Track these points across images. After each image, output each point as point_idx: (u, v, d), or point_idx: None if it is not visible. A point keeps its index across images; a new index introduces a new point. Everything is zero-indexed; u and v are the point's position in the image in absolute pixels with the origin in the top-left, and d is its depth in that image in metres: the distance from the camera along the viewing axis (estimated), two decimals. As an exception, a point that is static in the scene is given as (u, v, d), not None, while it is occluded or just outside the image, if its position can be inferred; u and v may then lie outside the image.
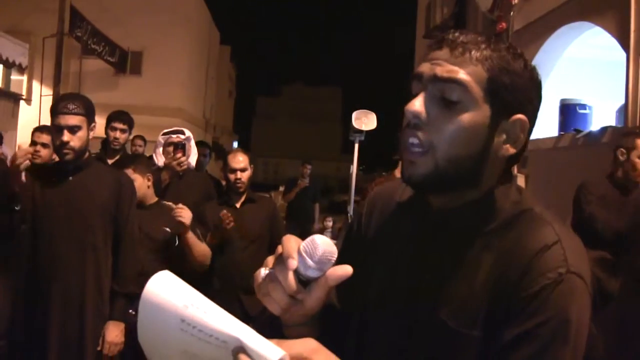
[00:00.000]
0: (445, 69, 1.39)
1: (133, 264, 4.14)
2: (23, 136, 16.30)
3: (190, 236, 4.74)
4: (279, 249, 1.34)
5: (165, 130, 6.04)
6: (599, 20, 8.73)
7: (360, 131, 7.96)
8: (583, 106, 9.42)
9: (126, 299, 4.07)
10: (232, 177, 5.37)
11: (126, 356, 4.14)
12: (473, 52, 1.39)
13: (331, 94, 69.14)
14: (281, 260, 1.31)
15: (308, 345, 1.17)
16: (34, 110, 18.53)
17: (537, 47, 10.40)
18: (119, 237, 4.11)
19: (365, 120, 7.92)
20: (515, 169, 10.31)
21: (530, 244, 1.35)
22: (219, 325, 1.11)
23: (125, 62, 24.49)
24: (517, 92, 1.41)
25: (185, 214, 4.62)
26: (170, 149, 5.81)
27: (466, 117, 1.38)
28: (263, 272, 1.35)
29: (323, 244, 1.30)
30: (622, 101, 8.28)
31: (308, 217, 12.81)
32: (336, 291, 1.53)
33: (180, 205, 4.68)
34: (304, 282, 1.32)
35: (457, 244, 1.44)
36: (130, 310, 4.03)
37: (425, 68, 1.43)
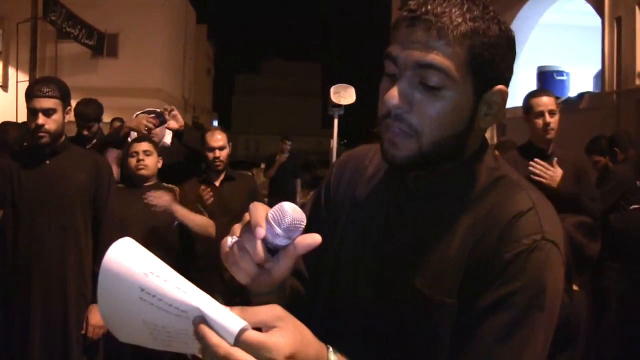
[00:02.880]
0: (423, 55, 1.33)
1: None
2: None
3: (179, 210, 4.70)
4: (246, 216, 1.30)
5: (139, 112, 6.00)
6: (572, -14, 8.75)
7: (339, 105, 7.92)
8: (560, 73, 9.47)
9: None
10: (210, 155, 5.40)
11: (111, 339, 4.15)
12: (450, 31, 1.32)
13: (310, 69, 68.92)
14: (249, 229, 1.27)
15: (273, 312, 1.14)
16: (11, 97, 18.32)
17: (513, 15, 10.42)
18: (99, 219, 4.10)
19: (343, 94, 7.87)
20: (494, 138, 10.36)
21: (505, 210, 1.35)
22: (179, 295, 1.09)
23: (101, 45, 24.21)
24: (497, 63, 1.38)
25: (156, 200, 4.62)
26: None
27: (449, 101, 1.35)
28: (230, 241, 1.31)
29: (291, 212, 1.27)
30: (599, 66, 8.32)
31: (290, 192, 12.78)
32: (304, 258, 1.48)
33: (149, 193, 4.66)
34: (272, 250, 1.29)
35: (433, 211, 1.42)
36: None
37: (401, 52, 1.36)
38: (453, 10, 1.33)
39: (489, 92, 1.39)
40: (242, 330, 1.07)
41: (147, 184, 4.87)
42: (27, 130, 6.40)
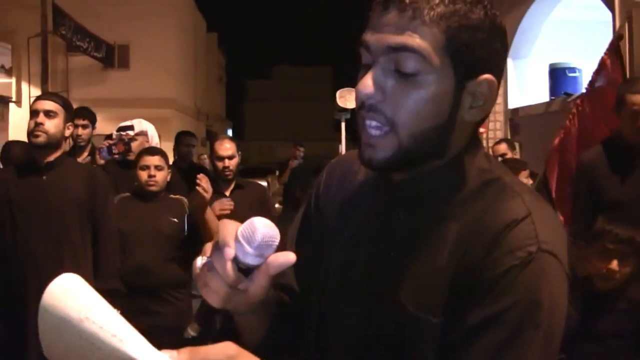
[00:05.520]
0: (396, 38, 1.22)
1: (113, 258, 4.11)
2: (15, 138, 16.23)
3: (209, 212, 4.75)
4: (217, 235, 1.22)
5: (120, 125, 5.96)
6: (582, -19, 8.66)
7: (346, 109, 7.86)
8: (572, 69, 9.36)
9: (109, 296, 4.00)
10: (219, 165, 5.35)
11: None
12: (425, 12, 1.20)
13: (322, 73, 68.90)
14: (218, 248, 1.19)
15: (225, 352, 1.04)
16: (25, 112, 18.30)
17: (523, 12, 10.31)
18: (97, 231, 4.07)
19: (349, 98, 7.83)
20: (508, 136, 10.26)
21: (497, 218, 1.21)
22: (116, 343, 1.03)
23: (112, 57, 24.32)
24: (480, 48, 1.25)
25: (206, 185, 4.67)
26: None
27: (427, 88, 1.23)
28: (199, 261, 1.25)
29: (263, 228, 1.17)
30: (611, 61, 8.21)
31: (304, 199, 12.69)
32: (294, 269, 1.39)
33: (201, 175, 4.73)
34: (245, 269, 1.20)
35: (420, 217, 1.30)
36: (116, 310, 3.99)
37: (373, 37, 1.26)
38: None
39: (473, 81, 1.27)
40: None
41: (155, 198, 4.84)
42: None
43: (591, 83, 6.61)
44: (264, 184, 15.69)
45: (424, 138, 1.26)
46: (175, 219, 4.75)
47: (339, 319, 1.38)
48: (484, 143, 8.88)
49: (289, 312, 1.45)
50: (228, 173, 5.36)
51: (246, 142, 48.47)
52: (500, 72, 1.32)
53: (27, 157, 4.90)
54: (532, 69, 10.74)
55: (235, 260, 1.19)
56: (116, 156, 5.76)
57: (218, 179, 5.47)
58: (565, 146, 6.25)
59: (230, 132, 42.33)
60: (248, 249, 1.18)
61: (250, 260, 1.19)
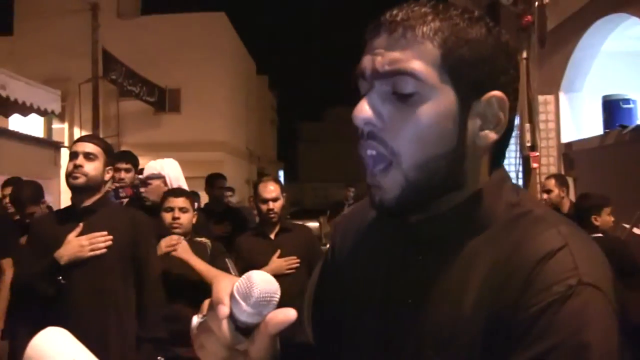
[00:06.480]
0: (386, 60, 1.12)
1: (157, 305, 3.93)
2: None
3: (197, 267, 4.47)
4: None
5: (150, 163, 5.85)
6: (634, 10, 8.44)
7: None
8: (627, 101, 9.12)
9: (153, 344, 3.86)
10: (264, 207, 5.21)
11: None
12: (417, 29, 1.11)
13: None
14: (212, 306, 1.08)
15: None
16: (76, 157, 18.60)
17: (574, 44, 10.12)
18: (140, 278, 3.90)
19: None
20: (562, 171, 9.99)
21: (530, 253, 1.08)
22: None
23: (163, 101, 24.58)
24: (483, 63, 1.14)
25: (179, 247, 4.44)
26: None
27: (427, 109, 1.11)
28: (195, 320, 1.12)
29: (260, 283, 1.06)
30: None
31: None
32: (313, 327, 1.32)
33: (171, 238, 4.48)
34: (244, 328, 1.08)
35: (441, 261, 1.17)
36: (159, 358, 3.85)
37: (366, 63, 1.16)
38: (424, 10, 1.13)
39: (479, 100, 1.14)
40: None
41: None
42: (40, 188, 6.46)
43: None
44: (316, 224, 15.58)
45: (431, 168, 1.14)
46: None
47: None
48: (537, 179, 8.64)
49: None
50: (272, 215, 5.22)
51: (300, 184, 48.62)
52: (513, 93, 1.18)
53: (37, 194, 4.81)
54: (585, 102, 10.52)
55: (232, 318, 1.07)
56: (124, 200, 5.62)
57: (263, 222, 5.36)
58: None
59: (282, 174, 42.50)
60: (244, 306, 1.06)
61: (247, 318, 1.07)
